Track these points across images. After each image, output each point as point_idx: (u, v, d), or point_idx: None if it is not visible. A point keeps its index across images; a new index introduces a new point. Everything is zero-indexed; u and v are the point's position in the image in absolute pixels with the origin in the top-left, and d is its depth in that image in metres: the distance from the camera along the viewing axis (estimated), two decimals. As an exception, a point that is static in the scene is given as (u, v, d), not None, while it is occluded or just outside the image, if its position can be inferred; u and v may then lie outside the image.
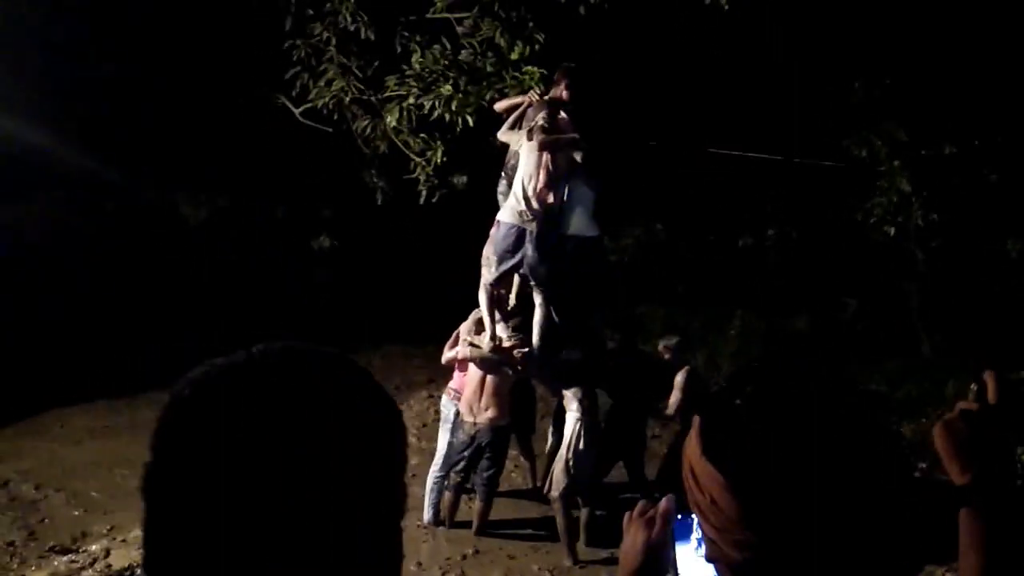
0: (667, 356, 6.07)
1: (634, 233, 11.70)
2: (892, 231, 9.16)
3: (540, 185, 5.28)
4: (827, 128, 9.16)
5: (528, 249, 5.27)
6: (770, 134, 9.55)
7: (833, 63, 9.20)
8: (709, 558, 1.04)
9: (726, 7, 6.68)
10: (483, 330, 5.47)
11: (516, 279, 5.63)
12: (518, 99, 5.68)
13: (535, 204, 5.26)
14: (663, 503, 1.34)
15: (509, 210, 5.37)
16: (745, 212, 10.63)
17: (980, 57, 8.81)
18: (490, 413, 5.45)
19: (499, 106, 5.78)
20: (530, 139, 5.33)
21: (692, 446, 1.02)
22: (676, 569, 1.31)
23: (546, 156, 5.28)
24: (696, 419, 1.05)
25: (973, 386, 1.05)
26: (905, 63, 9.04)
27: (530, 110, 5.49)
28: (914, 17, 8.89)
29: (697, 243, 11.52)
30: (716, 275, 11.13)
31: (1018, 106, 8.83)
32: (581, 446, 5.25)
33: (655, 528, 1.34)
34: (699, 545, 1.20)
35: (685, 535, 1.30)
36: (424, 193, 7.55)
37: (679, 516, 1.32)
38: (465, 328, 5.66)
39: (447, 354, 5.74)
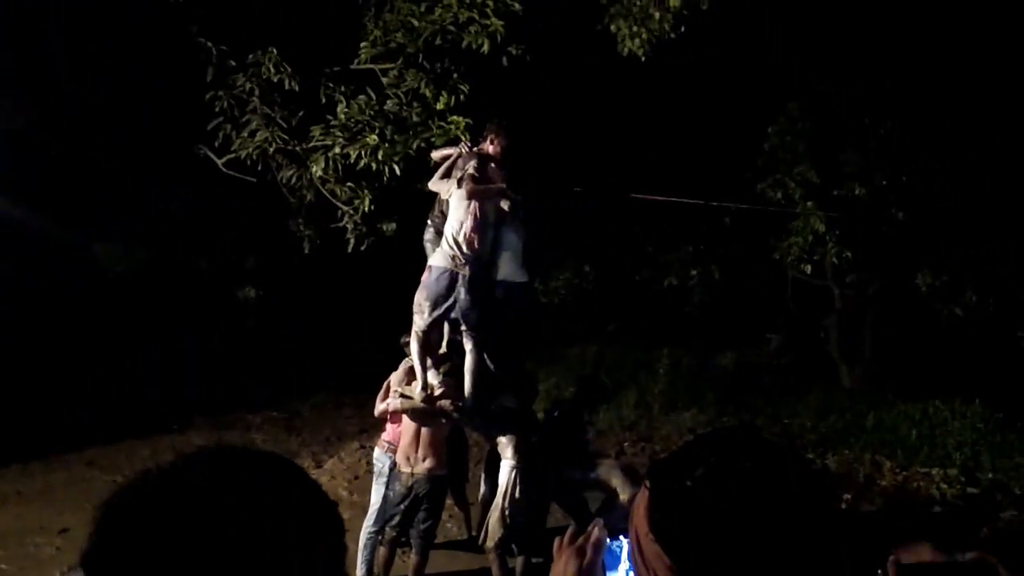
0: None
1: (564, 275, 11.86)
2: (809, 269, 9.54)
3: (469, 231, 5.37)
4: (743, 173, 9.53)
5: (461, 293, 5.32)
6: (690, 179, 9.87)
7: (747, 110, 9.60)
8: None
9: (643, 59, 6.94)
10: (414, 379, 5.43)
11: (446, 325, 5.64)
12: (450, 150, 5.76)
13: (465, 249, 5.34)
14: (593, 532, 1.33)
15: (441, 255, 5.43)
16: (669, 253, 10.91)
17: (884, 99, 9.33)
18: (428, 463, 5.38)
19: (435, 155, 5.84)
20: (460, 187, 5.44)
21: (640, 519, 1.01)
22: None
23: (475, 204, 5.40)
24: (644, 491, 1.03)
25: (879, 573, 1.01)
26: (814, 108, 9.50)
27: (460, 160, 5.60)
28: (821, 61, 9.38)
29: (625, 284, 11.74)
30: (644, 315, 11.35)
31: (920, 146, 9.37)
32: (517, 494, 5.23)
33: (586, 557, 1.32)
34: (628, 572, 1.21)
35: (614, 564, 1.31)
36: (352, 241, 7.54)
37: (608, 541, 1.32)
38: (396, 378, 5.60)
39: (379, 406, 5.67)
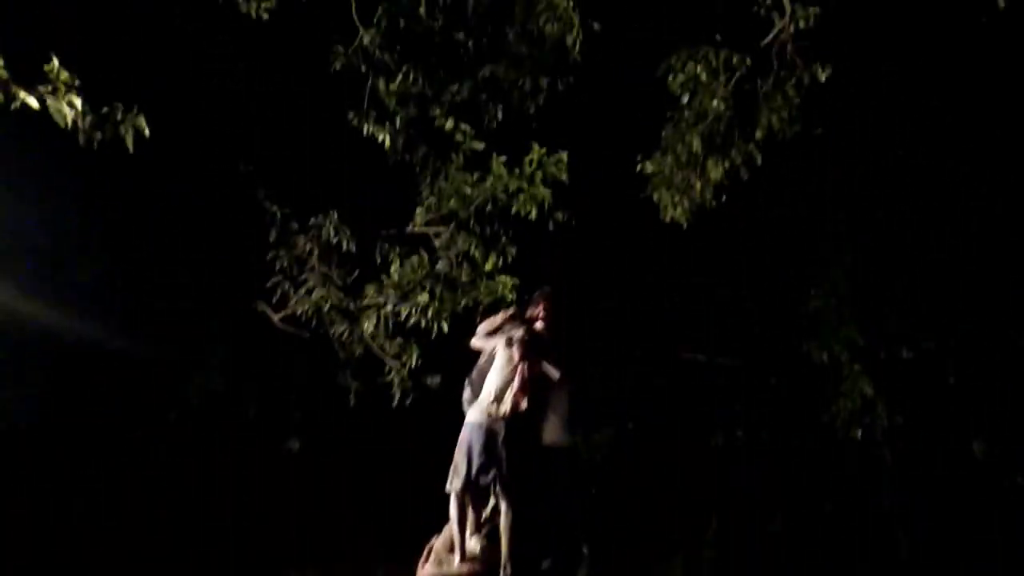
0: None
1: (607, 433, 11.70)
2: (859, 433, 9.30)
3: (516, 391, 5.42)
4: (788, 334, 9.54)
5: (498, 451, 5.30)
6: (735, 339, 9.90)
7: (790, 272, 9.74)
8: None
9: (685, 226, 7.17)
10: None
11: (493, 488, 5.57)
12: (499, 317, 5.89)
13: (507, 409, 5.38)
14: None
15: (478, 411, 5.47)
16: (715, 413, 10.76)
17: (926, 261, 9.41)
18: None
19: (481, 327, 5.92)
20: (508, 346, 5.52)
21: None
22: None
23: (523, 365, 5.47)
24: None
25: None
26: (856, 273, 9.59)
27: (508, 324, 5.73)
28: (860, 227, 9.55)
29: (668, 444, 11.52)
30: (690, 478, 11.05)
31: (967, 309, 9.33)
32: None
33: None
34: None
35: None
36: (398, 395, 7.68)
37: None
38: (440, 543, 5.51)
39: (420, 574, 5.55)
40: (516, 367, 5.45)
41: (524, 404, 5.40)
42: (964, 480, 9.77)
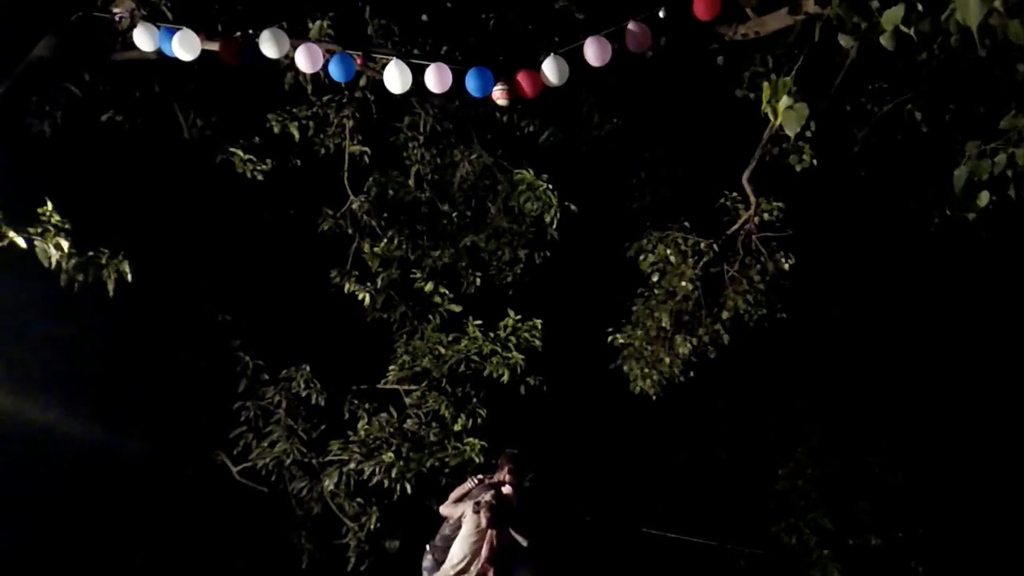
0: None
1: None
2: (830, 622, 9.00)
3: (483, 560, 5.29)
4: (756, 514, 9.43)
5: None
6: (702, 515, 9.75)
7: (758, 452, 9.75)
8: None
9: (654, 398, 7.25)
10: None
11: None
12: (468, 483, 5.80)
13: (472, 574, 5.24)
14: None
15: None
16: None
17: (893, 445, 9.47)
18: None
19: (453, 494, 5.79)
20: (476, 511, 5.41)
21: None
22: None
23: (491, 533, 5.36)
24: None
25: None
26: (822, 454, 9.62)
27: (475, 489, 5.65)
28: (826, 406, 9.66)
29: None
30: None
31: (936, 499, 9.32)
32: None
33: None
34: None
35: None
36: (353, 560, 7.40)
37: None
38: None
39: None
40: (484, 533, 5.32)
41: (491, 574, 5.25)
42: None
